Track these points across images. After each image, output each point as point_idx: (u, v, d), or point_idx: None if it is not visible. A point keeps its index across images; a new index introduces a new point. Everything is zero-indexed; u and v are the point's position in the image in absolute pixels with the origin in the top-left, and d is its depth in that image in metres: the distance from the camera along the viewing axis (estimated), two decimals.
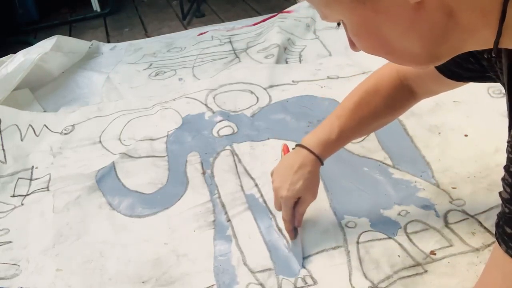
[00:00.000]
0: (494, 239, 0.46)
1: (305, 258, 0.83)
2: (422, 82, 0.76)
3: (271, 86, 1.36)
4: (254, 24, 1.93)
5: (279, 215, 0.92)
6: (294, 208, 0.82)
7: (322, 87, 1.33)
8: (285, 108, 1.26)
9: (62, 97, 1.52)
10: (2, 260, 0.91)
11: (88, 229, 0.96)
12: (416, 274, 0.77)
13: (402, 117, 1.12)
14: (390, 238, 0.84)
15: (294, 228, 0.85)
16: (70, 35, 2.15)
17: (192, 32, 1.98)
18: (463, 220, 0.85)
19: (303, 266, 0.81)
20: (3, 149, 1.22)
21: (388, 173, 0.99)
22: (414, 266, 0.78)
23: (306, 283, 0.78)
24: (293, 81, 1.38)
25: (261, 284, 0.79)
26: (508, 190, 0.40)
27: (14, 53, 1.56)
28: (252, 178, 1.03)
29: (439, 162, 1.00)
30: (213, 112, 1.27)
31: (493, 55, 0.45)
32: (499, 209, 0.47)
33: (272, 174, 0.85)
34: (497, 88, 1.15)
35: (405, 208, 0.90)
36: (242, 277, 0.81)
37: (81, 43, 1.77)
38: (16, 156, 1.20)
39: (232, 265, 0.84)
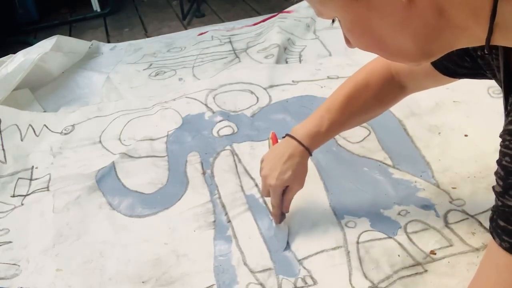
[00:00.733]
0: None
1: (305, 258, 0.83)
2: (414, 77, 0.77)
3: (271, 86, 1.36)
4: (254, 24, 1.93)
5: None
6: (282, 195, 0.85)
7: (322, 87, 1.33)
8: (285, 108, 1.26)
9: (62, 97, 1.52)
10: (2, 260, 0.91)
11: (88, 229, 0.96)
12: (416, 274, 0.77)
13: (402, 117, 1.13)
14: (390, 238, 0.84)
15: (282, 213, 0.87)
16: (70, 35, 2.15)
17: (192, 32, 1.98)
18: (463, 220, 0.85)
19: (302, 266, 0.81)
20: (3, 149, 1.22)
21: (388, 173, 0.99)
22: (414, 266, 0.78)
23: (306, 283, 0.78)
24: (293, 81, 1.38)
25: (261, 284, 0.79)
26: (501, 183, 0.40)
27: (14, 53, 1.56)
28: (252, 178, 1.03)
29: (439, 162, 1.00)
30: (213, 112, 1.27)
31: (486, 52, 0.45)
32: None
33: (262, 162, 0.87)
34: (497, 88, 1.14)
35: (405, 208, 0.90)
36: (242, 277, 0.81)
37: (81, 43, 1.77)
38: (16, 156, 1.20)
39: (232, 265, 0.84)
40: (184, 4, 2.27)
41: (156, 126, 1.25)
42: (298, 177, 0.83)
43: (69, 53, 1.66)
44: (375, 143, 1.07)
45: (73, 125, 1.31)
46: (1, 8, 2.25)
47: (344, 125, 0.83)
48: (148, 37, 2.09)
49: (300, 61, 1.54)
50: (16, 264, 0.90)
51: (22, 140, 1.26)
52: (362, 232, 0.86)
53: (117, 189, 1.05)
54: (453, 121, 1.10)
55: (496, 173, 0.41)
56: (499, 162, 0.40)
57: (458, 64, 0.65)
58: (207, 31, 1.89)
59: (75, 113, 1.37)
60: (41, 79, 1.55)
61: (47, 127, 1.31)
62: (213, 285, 0.80)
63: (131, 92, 1.49)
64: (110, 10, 2.47)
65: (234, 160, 1.09)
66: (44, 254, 0.91)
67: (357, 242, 0.84)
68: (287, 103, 1.28)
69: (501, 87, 0.52)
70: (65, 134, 1.28)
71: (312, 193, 0.96)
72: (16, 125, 1.30)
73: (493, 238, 0.42)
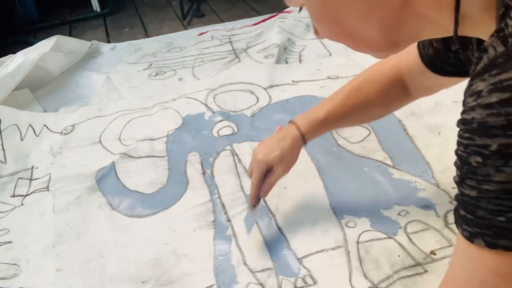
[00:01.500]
0: None
1: (305, 257, 0.83)
2: (415, 78, 0.76)
3: (271, 86, 1.36)
4: (254, 24, 1.93)
5: (279, 214, 0.92)
6: (265, 179, 0.82)
7: (322, 87, 1.33)
8: (285, 108, 1.26)
9: (62, 97, 1.52)
10: (2, 260, 0.91)
11: (88, 229, 0.96)
12: (416, 274, 0.77)
13: (402, 117, 1.13)
14: (390, 238, 0.84)
15: (258, 197, 0.84)
16: (70, 35, 2.15)
17: (192, 32, 1.98)
18: None
19: (302, 265, 0.81)
20: (3, 149, 1.22)
21: (388, 173, 0.99)
22: (414, 266, 0.78)
23: (306, 283, 0.78)
24: (293, 81, 1.38)
25: (261, 284, 0.79)
26: (458, 173, 0.41)
27: (14, 53, 1.56)
28: None
29: (439, 162, 1.00)
30: (213, 112, 1.27)
31: (457, 46, 0.45)
32: None
33: (259, 142, 0.86)
34: None
35: (405, 208, 0.90)
36: (242, 277, 0.81)
37: (81, 43, 1.77)
38: (16, 156, 1.20)
39: (232, 265, 0.84)
40: (184, 4, 2.27)
41: (156, 126, 1.25)
42: (284, 160, 0.80)
43: (69, 53, 1.66)
44: (375, 143, 1.07)
45: (73, 125, 1.31)
46: (1, 8, 2.25)
47: (344, 118, 0.82)
48: (148, 37, 2.09)
49: (300, 61, 1.54)
50: (16, 264, 0.90)
51: (22, 140, 1.26)
52: (362, 232, 0.86)
53: (117, 189, 1.05)
54: (453, 121, 1.08)
55: (454, 163, 0.42)
56: (456, 151, 0.41)
57: (446, 62, 0.66)
58: (207, 31, 1.89)
59: (75, 113, 1.37)
60: (41, 79, 1.55)
61: (47, 127, 1.31)
62: (213, 285, 0.80)
63: (131, 92, 1.49)
64: (110, 10, 2.47)
65: (234, 160, 1.09)
66: (44, 254, 0.91)
67: (357, 242, 0.84)
68: (287, 103, 1.28)
69: None
70: (65, 134, 1.28)
71: (312, 193, 0.96)
72: (16, 125, 1.30)
73: (457, 227, 0.43)
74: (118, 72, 1.62)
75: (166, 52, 1.76)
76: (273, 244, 0.86)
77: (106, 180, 1.08)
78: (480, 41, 0.50)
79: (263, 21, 1.92)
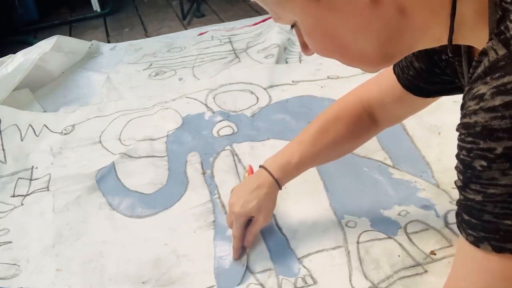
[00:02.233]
0: None
1: (305, 256, 0.83)
2: (387, 109, 0.76)
3: (271, 86, 1.36)
4: (254, 24, 1.93)
5: (279, 215, 0.92)
6: (246, 228, 0.82)
7: (322, 87, 1.33)
8: (285, 108, 1.26)
9: (62, 97, 1.52)
10: (2, 260, 0.91)
11: (88, 229, 0.96)
12: (416, 274, 0.77)
13: None
14: (390, 238, 0.84)
15: (243, 247, 0.84)
16: (70, 35, 2.15)
17: (192, 32, 1.98)
18: None
19: (302, 265, 0.81)
20: (3, 149, 1.22)
21: (388, 173, 0.99)
22: (414, 266, 0.78)
23: (306, 283, 0.78)
24: (293, 81, 1.38)
25: (261, 284, 0.79)
26: (461, 177, 0.41)
27: (14, 53, 1.56)
28: None
29: (439, 162, 1.00)
30: (213, 112, 1.27)
31: (450, 54, 0.45)
32: None
33: (231, 191, 0.86)
34: None
35: (405, 208, 0.90)
36: (242, 277, 0.81)
37: (81, 43, 1.77)
38: (16, 156, 1.20)
39: (232, 266, 0.83)
40: (184, 4, 2.27)
41: (156, 126, 1.25)
42: (263, 208, 0.80)
43: (69, 53, 1.66)
44: (375, 143, 1.07)
45: (73, 125, 1.31)
46: (1, 8, 2.25)
47: (316, 158, 0.81)
48: (148, 37, 2.09)
49: (300, 61, 1.54)
50: (16, 264, 0.90)
51: (22, 140, 1.26)
52: (362, 232, 0.86)
53: (117, 189, 1.05)
54: (453, 121, 1.08)
55: (456, 167, 0.41)
56: (457, 156, 0.40)
57: (430, 81, 0.65)
58: (207, 31, 1.89)
59: (75, 113, 1.37)
60: (41, 79, 1.55)
61: (47, 127, 1.31)
62: (213, 285, 0.80)
63: (131, 92, 1.49)
64: (110, 10, 2.47)
65: (234, 160, 1.09)
66: (44, 254, 0.91)
67: (357, 242, 0.84)
68: (287, 103, 1.28)
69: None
70: (65, 134, 1.28)
71: (312, 193, 0.96)
72: (16, 125, 1.30)
73: (460, 232, 0.42)
74: (118, 72, 1.62)
75: (166, 52, 1.76)
76: (273, 244, 0.86)
77: (106, 180, 1.08)
78: (469, 50, 0.50)
79: (263, 21, 1.92)
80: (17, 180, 1.13)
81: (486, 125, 0.36)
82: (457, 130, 0.40)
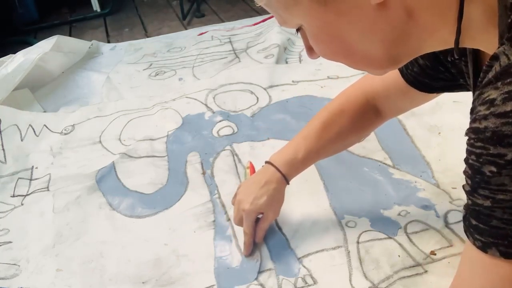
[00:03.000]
0: None
1: (305, 256, 0.83)
2: (390, 101, 0.76)
3: (271, 86, 1.36)
4: (254, 24, 1.93)
5: (279, 215, 0.92)
6: (256, 224, 0.83)
7: (322, 87, 1.33)
8: (285, 108, 1.26)
9: (62, 97, 1.52)
10: (2, 260, 0.91)
11: (88, 229, 0.96)
12: (416, 274, 0.77)
13: (402, 117, 1.12)
14: (390, 238, 0.84)
15: (254, 243, 0.84)
16: (70, 35, 2.15)
17: (192, 32, 1.98)
18: None
19: (302, 265, 0.81)
20: (3, 149, 1.22)
21: (388, 173, 0.99)
22: (414, 266, 0.78)
23: (306, 283, 0.78)
24: (293, 81, 1.38)
25: (261, 285, 0.79)
26: (469, 182, 0.40)
27: (14, 53, 1.56)
28: None
29: (439, 162, 1.00)
30: (213, 112, 1.27)
31: (456, 56, 0.45)
32: None
33: (238, 189, 0.86)
34: None
35: (405, 208, 0.90)
36: (242, 277, 0.81)
37: (81, 43, 1.77)
38: (16, 156, 1.20)
39: (232, 266, 0.84)
40: (184, 4, 2.27)
41: (156, 126, 1.25)
42: (273, 204, 0.81)
43: (69, 53, 1.66)
44: (375, 143, 1.07)
45: (73, 125, 1.31)
46: (1, 8, 2.25)
47: (321, 153, 0.82)
48: (148, 37, 2.09)
49: (300, 61, 1.54)
50: (16, 264, 0.90)
51: (22, 140, 1.26)
52: (362, 232, 0.86)
53: (117, 189, 1.05)
54: (453, 121, 1.10)
55: (464, 172, 0.41)
56: (466, 160, 0.40)
57: (434, 78, 0.65)
58: (207, 31, 1.89)
59: (75, 113, 1.37)
60: (41, 79, 1.55)
61: (47, 127, 1.31)
62: (213, 285, 0.80)
63: (131, 92, 1.49)
64: (110, 10, 2.47)
65: (234, 160, 1.09)
66: (44, 254, 0.91)
67: (357, 242, 0.84)
68: (287, 103, 1.28)
69: (472, 93, 0.52)
70: (65, 134, 1.28)
71: (312, 193, 0.96)
72: (16, 125, 1.30)
73: (467, 237, 0.42)
74: (118, 72, 1.62)
75: (166, 52, 1.75)
76: (273, 243, 0.86)
77: (106, 180, 1.08)
78: (476, 55, 0.50)
79: (263, 21, 1.92)
80: (17, 180, 1.13)
81: (496, 131, 0.36)
82: (466, 134, 0.40)
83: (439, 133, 1.08)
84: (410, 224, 0.86)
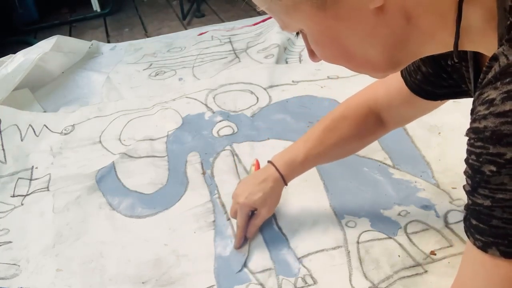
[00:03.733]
0: None
1: (304, 256, 0.83)
2: (394, 109, 0.76)
3: (271, 86, 1.36)
4: (254, 24, 1.93)
5: (279, 215, 0.92)
6: (250, 220, 0.85)
7: (322, 87, 1.33)
8: (285, 108, 1.26)
9: (62, 97, 1.52)
10: (2, 260, 0.91)
11: (88, 229, 0.96)
12: (416, 274, 0.77)
13: None
14: (390, 238, 0.84)
15: (245, 238, 0.86)
16: (70, 35, 2.15)
17: (192, 32, 1.98)
18: None
19: (302, 265, 0.81)
20: (3, 149, 1.22)
21: (388, 173, 0.99)
22: (414, 266, 0.78)
23: (306, 282, 0.78)
24: (293, 81, 1.38)
25: (261, 284, 0.79)
26: (469, 182, 0.40)
27: (14, 53, 1.56)
28: None
29: (439, 162, 1.00)
30: (213, 112, 1.27)
31: (455, 59, 0.45)
32: None
33: (239, 183, 0.88)
34: None
35: (405, 208, 0.90)
36: (242, 277, 0.81)
37: (81, 43, 1.77)
38: (16, 156, 1.20)
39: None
40: (184, 4, 2.27)
41: (156, 126, 1.25)
42: (267, 202, 0.83)
43: (69, 53, 1.66)
44: (375, 143, 1.07)
45: (73, 125, 1.31)
46: (1, 8, 2.25)
47: (321, 157, 0.83)
48: (148, 37, 2.09)
49: (300, 61, 1.54)
50: (16, 264, 0.90)
51: (22, 140, 1.26)
52: (362, 232, 0.86)
53: (117, 189, 1.05)
54: (453, 121, 1.10)
55: (465, 172, 0.41)
56: (466, 160, 0.40)
57: (437, 85, 0.65)
58: (207, 31, 1.89)
59: (75, 113, 1.37)
60: (41, 79, 1.55)
61: (47, 127, 1.31)
62: (213, 285, 0.80)
63: (131, 92, 1.49)
64: (110, 10, 2.47)
65: (234, 160, 1.09)
66: (44, 254, 0.91)
67: (357, 242, 0.84)
68: (287, 103, 1.28)
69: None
70: (65, 134, 1.28)
71: (312, 193, 0.96)
72: (16, 125, 1.30)
73: (468, 237, 0.42)
74: (118, 72, 1.62)
75: (166, 52, 1.76)
76: (273, 243, 0.86)
77: (106, 180, 1.08)
78: (476, 56, 0.50)
79: (263, 21, 1.92)
80: (17, 180, 1.13)
81: (495, 130, 0.36)
82: (466, 135, 0.40)
83: (439, 133, 1.08)
84: (410, 224, 0.86)
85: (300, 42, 1.65)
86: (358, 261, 0.80)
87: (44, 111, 1.44)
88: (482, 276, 0.42)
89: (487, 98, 0.37)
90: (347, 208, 0.91)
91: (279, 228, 0.89)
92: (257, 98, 1.32)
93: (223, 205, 0.97)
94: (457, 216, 0.86)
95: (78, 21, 2.43)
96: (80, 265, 0.88)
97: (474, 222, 0.41)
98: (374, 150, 1.06)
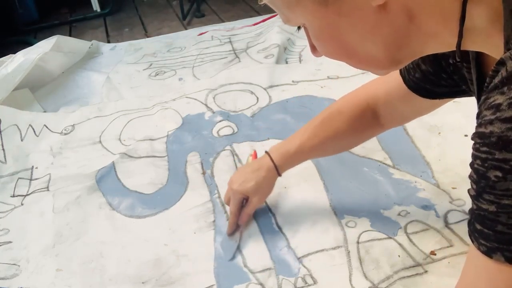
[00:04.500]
0: None
1: (304, 256, 0.83)
2: (391, 107, 0.76)
3: (271, 86, 1.36)
4: (254, 24, 1.93)
5: (279, 214, 0.92)
6: (243, 208, 0.87)
7: (322, 87, 1.33)
8: (285, 108, 1.26)
9: (62, 97, 1.52)
10: (2, 260, 0.91)
11: (88, 229, 0.96)
12: (416, 274, 0.77)
13: None
14: (390, 238, 0.84)
15: (237, 225, 0.88)
16: (70, 35, 2.15)
17: (192, 32, 1.98)
18: (463, 220, 0.85)
19: (302, 265, 0.81)
20: (3, 149, 1.22)
21: (388, 173, 0.99)
22: (414, 266, 0.78)
23: (306, 282, 0.78)
24: (293, 81, 1.38)
25: (261, 284, 0.79)
26: (474, 186, 0.40)
27: (14, 53, 1.56)
28: None
29: (439, 162, 1.00)
30: (213, 112, 1.27)
31: (457, 59, 0.45)
32: None
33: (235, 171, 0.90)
34: None
35: (405, 208, 0.90)
36: (242, 277, 0.81)
37: (81, 43, 1.77)
38: (16, 156, 1.20)
39: (232, 265, 0.84)
40: (184, 4, 2.27)
41: (156, 126, 1.25)
42: (259, 190, 0.85)
43: (69, 53, 1.66)
44: (375, 143, 1.07)
45: (73, 125, 1.31)
46: (1, 8, 2.25)
47: (316, 149, 0.83)
48: (148, 37, 2.09)
49: (300, 61, 1.54)
50: (16, 264, 0.90)
51: (22, 140, 1.26)
52: (362, 232, 0.86)
53: (117, 189, 1.05)
54: (453, 121, 1.10)
55: (470, 176, 0.41)
56: (471, 165, 0.40)
57: (436, 84, 0.65)
58: (207, 31, 1.89)
59: (75, 113, 1.37)
60: (41, 79, 1.55)
61: (47, 127, 1.31)
62: (213, 285, 0.80)
63: (131, 92, 1.49)
64: (110, 10, 2.47)
65: (234, 160, 1.09)
66: (44, 254, 0.91)
67: (357, 242, 0.84)
68: (287, 103, 1.28)
69: (476, 98, 0.52)
70: (65, 134, 1.28)
71: (312, 193, 0.96)
72: (16, 125, 1.30)
73: (472, 241, 0.42)
74: (118, 72, 1.62)
75: (166, 52, 1.76)
76: (273, 243, 0.86)
77: (106, 180, 1.08)
78: (478, 62, 0.50)
79: (263, 21, 1.92)
80: (17, 180, 1.13)
81: (502, 136, 0.35)
82: (472, 139, 0.40)
83: (439, 133, 1.08)
84: (410, 224, 0.86)
85: (300, 42, 1.65)
86: (358, 261, 0.80)
87: (44, 111, 1.44)
88: (486, 281, 0.42)
89: (493, 103, 0.36)
90: (347, 208, 0.91)
91: (279, 228, 0.89)
92: (257, 98, 1.32)
93: (223, 205, 0.97)
94: (457, 216, 0.86)
95: (78, 21, 2.43)
96: (80, 265, 0.88)
97: (478, 227, 0.40)
98: (374, 150, 1.06)
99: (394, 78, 0.71)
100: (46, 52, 1.54)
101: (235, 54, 1.64)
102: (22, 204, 1.06)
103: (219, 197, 0.99)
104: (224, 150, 1.13)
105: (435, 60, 0.62)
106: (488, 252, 0.40)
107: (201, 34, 1.88)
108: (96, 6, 2.50)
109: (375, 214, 0.89)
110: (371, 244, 0.83)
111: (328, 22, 0.45)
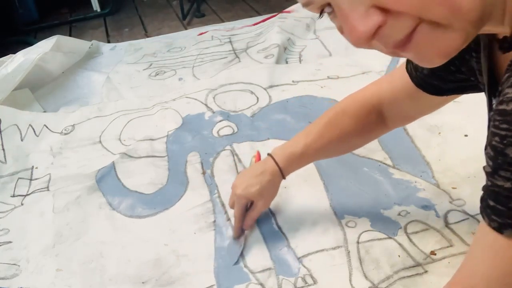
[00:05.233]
0: None
1: (304, 256, 0.83)
2: (397, 105, 0.75)
3: (271, 86, 1.36)
4: (254, 24, 1.93)
5: (279, 214, 0.92)
6: (247, 212, 0.85)
7: (322, 87, 1.33)
8: (285, 108, 1.26)
9: (62, 97, 1.52)
10: (2, 260, 0.91)
11: (88, 229, 0.96)
12: (416, 274, 0.77)
13: None
14: (390, 238, 0.84)
15: (242, 229, 0.87)
16: (70, 35, 2.15)
17: (192, 32, 1.98)
18: (463, 220, 0.85)
19: (302, 265, 0.81)
20: (3, 149, 1.22)
21: (388, 173, 0.99)
22: (414, 266, 0.78)
23: (306, 282, 0.78)
24: (293, 81, 1.38)
25: (261, 284, 0.79)
26: (490, 163, 0.40)
27: (14, 53, 1.56)
28: None
29: (439, 162, 1.00)
30: (213, 112, 1.27)
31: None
32: None
33: (238, 174, 0.89)
34: None
35: (405, 208, 0.90)
36: (242, 277, 0.81)
37: (81, 43, 1.77)
38: (16, 156, 1.20)
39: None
40: (184, 4, 2.27)
41: (156, 126, 1.25)
42: (264, 194, 0.83)
43: (69, 53, 1.66)
44: (375, 143, 1.07)
45: (73, 125, 1.31)
46: (1, 8, 2.25)
47: (322, 151, 0.82)
48: (148, 37, 2.09)
49: (300, 61, 1.54)
50: (16, 264, 0.90)
51: (22, 140, 1.26)
52: (362, 232, 0.86)
53: (117, 189, 1.05)
54: (453, 121, 1.10)
55: (486, 153, 0.41)
56: (489, 142, 0.40)
57: (444, 80, 0.64)
58: (207, 31, 1.89)
59: (75, 113, 1.37)
60: (41, 79, 1.55)
61: (47, 127, 1.31)
62: (213, 285, 0.80)
63: (131, 92, 1.49)
64: (110, 10, 2.47)
65: (234, 160, 1.09)
66: (44, 254, 0.91)
67: (358, 242, 0.84)
68: (287, 103, 1.28)
69: (484, 90, 0.52)
70: (65, 134, 1.28)
71: (312, 193, 0.96)
72: (16, 125, 1.30)
73: (483, 218, 0.42)
74: (118, 72, 1.62)
75: (166, 52, 1.76)
76: (273, 243, 0.86)
77: (106, 180, 1.08)
78: (490, 52, 0.48)
79: (263, 21, 1.92)
80: (17, 180, 1.13)
81: None
82: (491, 116, 0.40)
83: (439, 133, 1.08)
84: (410, 224, 0.86)
85: (300, 42, 1.65)
86: (358, 261, 0.80)
87: (44, 111, 1.44)
88: (494, 256, 0.42)
89: None
90: (347, 208, 0.91)
91: (279, 228, 0.89)
92: (257, 98, 1.32)
93: (223, 205, 0.97)
94: (457, 216, 0.86)
95: (78, 21, 2.43)
96: (80, 265, 0.88)
97: (491, 203, 0.41)
98: (374, 150, 1.06)
99: (399, 77, 0.71)
100: (46, 52, 1.54)
101: (235, 54, 1.64)
102: (22, 204, 1.06)
103: (219, 197, 0.99)
104: (224, 150, 1.13)
105: None
106: (499, 228, 0.40)
107: (201, 34, 1.88)
108: (96, 6, 2.50)
109: (375, 214, 0.89)
110: (371, 244, 0.83)
111: None
